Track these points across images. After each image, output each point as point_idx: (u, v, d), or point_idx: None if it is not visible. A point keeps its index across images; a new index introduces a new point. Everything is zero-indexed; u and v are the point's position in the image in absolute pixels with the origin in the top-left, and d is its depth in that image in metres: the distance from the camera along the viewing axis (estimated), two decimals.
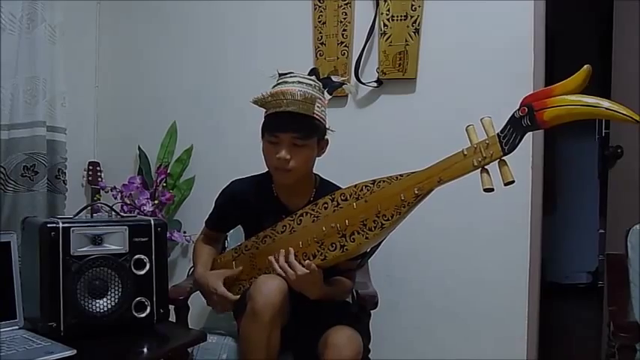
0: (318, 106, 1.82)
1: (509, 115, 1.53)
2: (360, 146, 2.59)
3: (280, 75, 1.91)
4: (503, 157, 1.52)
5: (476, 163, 1.54)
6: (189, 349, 1.91)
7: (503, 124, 1.54)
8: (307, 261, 1.76)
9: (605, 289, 2.37)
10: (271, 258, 1.81)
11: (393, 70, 2.54)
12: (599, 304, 3.05)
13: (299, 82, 1.84)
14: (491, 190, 1.50)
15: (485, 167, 1.54)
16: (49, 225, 1.63)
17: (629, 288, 2.17)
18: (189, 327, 2.11)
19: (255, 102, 1.84)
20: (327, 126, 1.90)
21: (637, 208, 2.51)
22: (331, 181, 2.00)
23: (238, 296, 1.89)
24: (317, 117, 1.82)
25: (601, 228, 4.37)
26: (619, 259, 2.24)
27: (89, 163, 2.92)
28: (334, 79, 2.01)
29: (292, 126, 1.80)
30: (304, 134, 1.81)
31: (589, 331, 3.76)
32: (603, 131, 3.78)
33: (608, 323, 2.10)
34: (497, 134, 1.53)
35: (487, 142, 1.54)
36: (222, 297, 1.88)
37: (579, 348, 3.58)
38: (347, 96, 2.60)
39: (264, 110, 1.87)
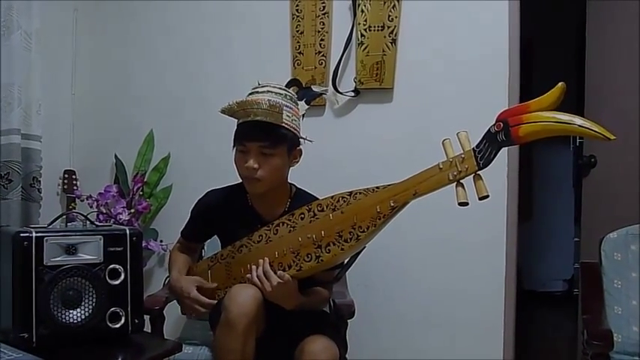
0: (287, 115, 1.82)
1: (485, 130, 1.55)
2: (337, 155, 2.59)
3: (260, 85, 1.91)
4: (478, 172, 1.54)
5: (451, 177, 1.56)
6: None
7: (479, 139, 1.55)
8: (280, 272, 1.76)
9: (579, 297, 2.39)
10: (247, 275, 1.80)
11: (370, 79, 2.55)
12: (575, 312, 3.07)
13: (268, 92, 1.84)
14: (466, 204, 1.52)
15: (461, 181, 1.55)
16: (22, 234, 1.62)
17: (603, 296, 2.20)
18: (165, 337, 2.09)
19: (223, 111, 1.84)
20: (301, 135, 1.90)
21: (610, 217, 2.54)
22: (307, 191, 2.00)
23: (214, 301, 1.89)
24: (286, 126, 1.82)
25: (577, 236, 4.41)
26: (593, 267, 2.26)
27: (65, 171, 2.89)
28: (315, 88, 2.01)
29: (259, 135, 1.80)
30: (271, 143, 1.81)
31: (565, 339, 3.80)
32: (577, 141, 3.82)
33: (582, 331, 2.12)
34: (473, 149, 1.55)
35: (463, 156, 1.55)
36: (195, 300, 1.88)
37: (555, 356, 3.60)
38: (324, 105, 2.62)
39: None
